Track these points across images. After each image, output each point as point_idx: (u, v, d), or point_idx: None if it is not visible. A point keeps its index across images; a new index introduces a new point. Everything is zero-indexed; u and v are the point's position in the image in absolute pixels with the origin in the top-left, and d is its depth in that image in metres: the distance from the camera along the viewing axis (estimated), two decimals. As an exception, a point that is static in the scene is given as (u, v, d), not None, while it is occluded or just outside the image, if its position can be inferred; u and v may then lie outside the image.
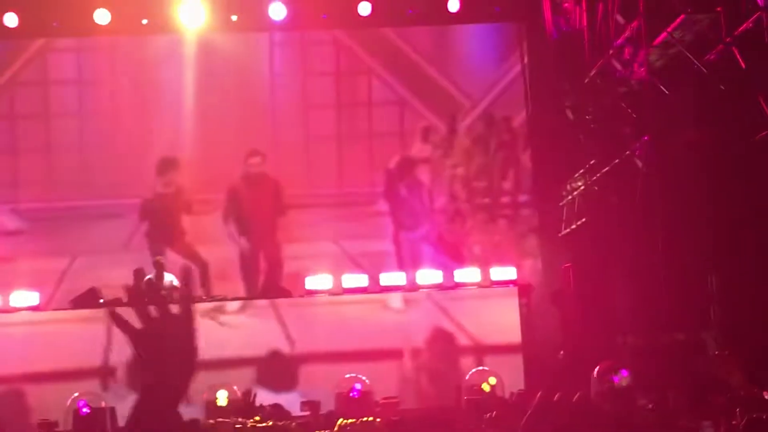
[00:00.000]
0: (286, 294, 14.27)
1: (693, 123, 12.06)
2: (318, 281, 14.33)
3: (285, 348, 13.72)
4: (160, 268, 13.72)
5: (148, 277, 13.92)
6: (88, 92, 16.00)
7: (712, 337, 11.76)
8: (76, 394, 12.79)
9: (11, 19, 15.32)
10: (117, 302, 13.77)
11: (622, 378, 11.96)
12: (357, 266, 15.17)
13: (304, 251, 15.47)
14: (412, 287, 14.39)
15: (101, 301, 13.94)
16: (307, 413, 12.15)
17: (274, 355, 13.66)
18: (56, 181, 15.64)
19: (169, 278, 13.94)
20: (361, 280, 14.46)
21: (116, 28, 15.53)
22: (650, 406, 10.06)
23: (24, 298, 13.90)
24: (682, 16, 11.75)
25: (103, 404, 12.77)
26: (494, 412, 8.71)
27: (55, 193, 15.54)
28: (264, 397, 12.07)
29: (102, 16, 15.41)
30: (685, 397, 10.34)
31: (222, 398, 12.91)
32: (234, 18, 15.91)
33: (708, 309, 11.93)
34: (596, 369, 12.53)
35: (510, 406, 11.66)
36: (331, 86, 16.26)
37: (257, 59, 16.23)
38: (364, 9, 15.78)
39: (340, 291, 14.30)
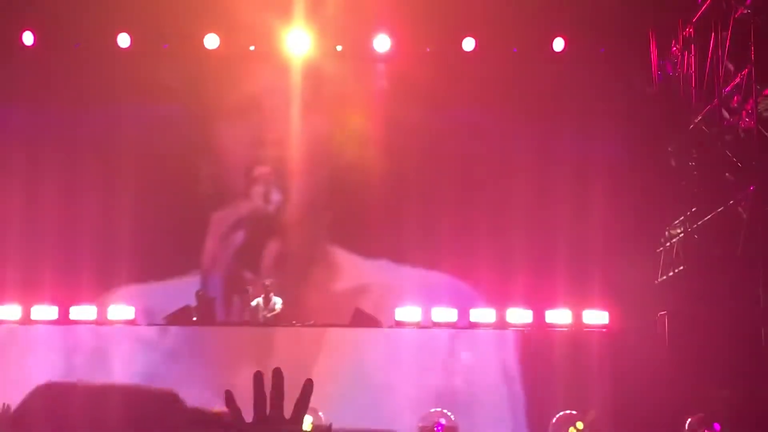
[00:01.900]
0: (376, 324, 14.28)
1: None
2: (407, 313, 14.32)
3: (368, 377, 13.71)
4: (268, 291, 14.13)
5: (256, 300, 14.21)
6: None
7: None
8: None
9: (124, 39, 15.79)
10: (210, 321, 14.14)
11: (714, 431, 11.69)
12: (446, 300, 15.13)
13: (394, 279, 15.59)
14: (501, 325, 14.27)
15: (194, 318, 14.21)
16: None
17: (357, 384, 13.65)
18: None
19: (277, 301, 14.21)
20: (450, 314, 14.40)
21: (225, 53, 15.89)
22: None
23: (120, 312, 14.18)
24: (795, 66, 11.56)
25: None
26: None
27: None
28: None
29: (212, 41, 15.78)
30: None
31: (307, 423, 12.97)
32: (339, 48, 16.13)
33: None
34: (688, 421, 12.26)
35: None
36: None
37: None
38: (468, 44, 15.84)
39: (429, 324, 14.27)
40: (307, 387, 2.65)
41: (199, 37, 15.78)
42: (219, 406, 2.69)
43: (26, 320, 14.01)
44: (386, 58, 16.04)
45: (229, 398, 2.64)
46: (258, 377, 2.63)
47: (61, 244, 15.61)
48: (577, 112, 16.16)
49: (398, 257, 15.84)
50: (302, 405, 2.65)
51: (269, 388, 2.63)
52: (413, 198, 16.07)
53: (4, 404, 4.34)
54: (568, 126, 16.26)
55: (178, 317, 14.24)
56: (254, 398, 2.61)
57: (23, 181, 15.64)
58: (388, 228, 15.90)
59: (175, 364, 13.34)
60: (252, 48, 16.18)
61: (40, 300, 14.23)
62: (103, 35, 15.76)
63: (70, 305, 14.17)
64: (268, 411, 2.59)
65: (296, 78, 16.02)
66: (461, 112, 16.29)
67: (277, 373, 2.65)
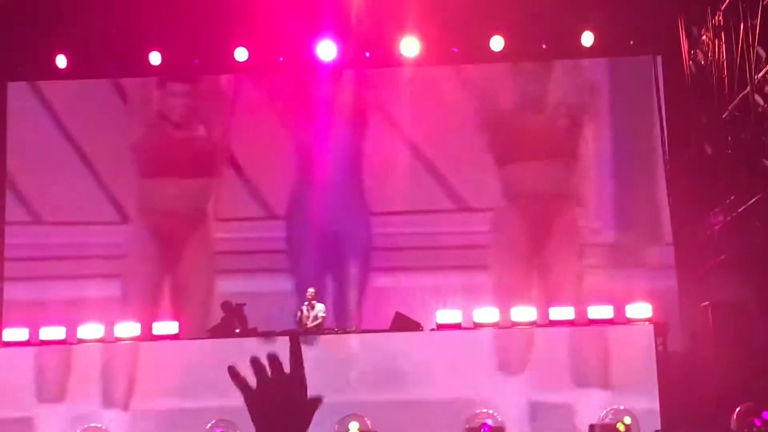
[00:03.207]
0: (417, 327, 14.29)
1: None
2: (449, 315, 14.31)
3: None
4: (311, 299, 14.22)
5: (302, 306, 14.35)
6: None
7: None
8: (213, 421, 13.06)
9: (155, 58, 15.98)
10: (252, 332, 14.21)
11: (764, 420, 11.59)
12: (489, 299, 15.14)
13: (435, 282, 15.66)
14: (545, 323, 14.22)
15: (237, 331, 14.29)
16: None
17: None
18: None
19: (320, 308, 14.30)
20: (492, 314, 14.37)
21: (252, 64, 16.06)
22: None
23: (165, 327, 14.30)
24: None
25: (238, 432, 13.01)
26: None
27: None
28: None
29: (241, 54, 15.93)
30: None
31: (354, 429, 13.02)
32: (367, 54, 16.23)
33: None
34: (737, 410, 12.17)
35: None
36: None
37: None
38: (497, 44, 15.82)
39: (471, 326, 14.25)
40: (294, 341, 2.73)
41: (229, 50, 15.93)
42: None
43: (73, 339, 14.16)
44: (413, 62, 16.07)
45: (234, 373, 2.72)
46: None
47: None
48: (609, 105, 16.12)
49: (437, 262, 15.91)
50: (296, 358, 2.72)
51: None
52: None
53: None
54: (602, 119, 16.23)
55: (221, 330, 14.35)
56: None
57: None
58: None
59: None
60: (281, 59, 16.32)
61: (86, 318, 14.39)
62: (134, 54, 15.98)
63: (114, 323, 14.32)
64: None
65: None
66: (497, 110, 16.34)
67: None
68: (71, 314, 14.69)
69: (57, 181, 16.28)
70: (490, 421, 13.10)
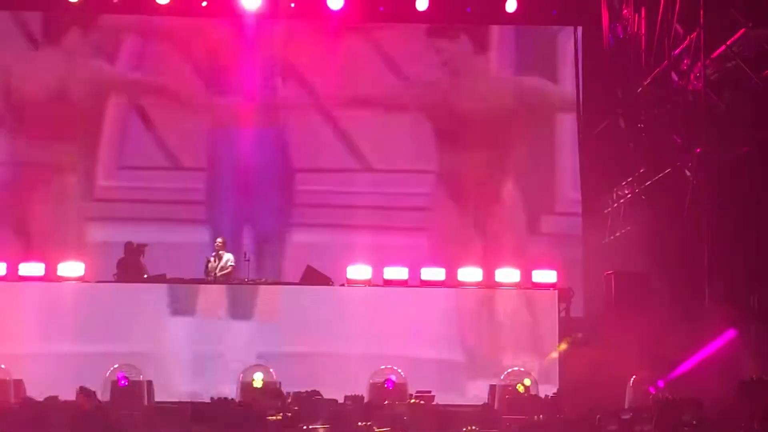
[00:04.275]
0: (327, 282, 14.35)
1: (746, 138, 12.00)
2: (358, 271, 14.39)
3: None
4: (219, 248, 14.25)
5: (210, 255, 14.31)
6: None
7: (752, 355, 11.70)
8: (115, 366, 12.96)
9: None
10: (160, 278, 14.11)
11: (659, 389, 11.95)
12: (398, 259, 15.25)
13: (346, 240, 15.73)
14: (453, 284, 14.41)
15: (145, 276, 14.19)
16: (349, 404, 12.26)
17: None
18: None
19: (228, 257, 14.27)
20: (401, 273, 14.50)
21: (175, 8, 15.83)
22: (694, 422, 10.06)
23: (70, 269, 14.08)
24: (743, 30, 11.69)
25: (141, 377, 12.92)
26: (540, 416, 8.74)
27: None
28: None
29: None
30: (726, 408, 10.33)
31: (258, 380, 13.04)
32: (292, 5, 16.11)
33: (749, 328, 11.87)
34: (632, 378, 12.53)
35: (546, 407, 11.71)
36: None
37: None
38: (422, 4, 15.85)
39: (380, 283, 14.36)
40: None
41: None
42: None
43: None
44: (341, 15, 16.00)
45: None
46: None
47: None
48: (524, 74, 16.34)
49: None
50: None
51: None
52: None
53: None
54: (515, 85, 16.41)
55: (127, 271, 14.26)
56: None
57: None
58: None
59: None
60: (204, 4, 16.08)
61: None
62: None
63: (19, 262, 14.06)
64: None
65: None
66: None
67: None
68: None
69: None
70: (393, 377, 13.25)
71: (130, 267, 14.34)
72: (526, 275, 14.36)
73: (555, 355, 13.78)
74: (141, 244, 14.53)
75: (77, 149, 16.23)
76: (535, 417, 10.42)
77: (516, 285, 14.33)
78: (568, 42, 16.32)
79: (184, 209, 16.23)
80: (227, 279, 14.20)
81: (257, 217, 16.34)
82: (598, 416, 10.63)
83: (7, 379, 12.81)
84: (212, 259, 14.36)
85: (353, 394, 12.58)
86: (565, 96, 16.34)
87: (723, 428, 10.05)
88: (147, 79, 16.31)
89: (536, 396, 12.87)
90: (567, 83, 16.33)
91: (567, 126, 16.33)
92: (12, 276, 13.84)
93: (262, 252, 16.12)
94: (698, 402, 10.63)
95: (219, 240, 14.55)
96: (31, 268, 13.95)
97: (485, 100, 16.36)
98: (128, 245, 14.54)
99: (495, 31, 16.49)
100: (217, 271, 14.27)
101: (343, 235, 15.91)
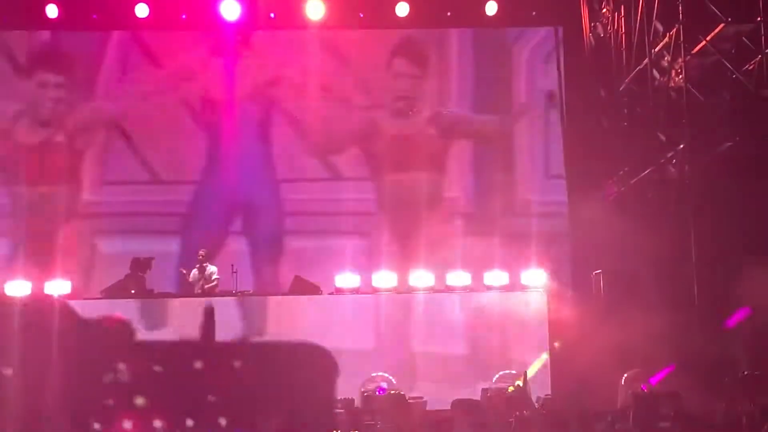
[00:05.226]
0: (316, 291, 14.30)
1: (729, 133, 12.00)
2: (347, 279, 14.36)
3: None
4: (202, 261, 14.07)
5: (192, 271, 14.21)
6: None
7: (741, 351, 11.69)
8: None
9: (52, 11, 15.54)
10: (148, 293, 14.05)
11: (651, 386, 11.93)
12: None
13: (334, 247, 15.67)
14: (442, 288, 14.40)
15: (132, 291, 14.12)
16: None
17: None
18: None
19: (212, 270, 14.19)
20: (389, 279, 14.47)
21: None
22: (671, 413, 10.05)
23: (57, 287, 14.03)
24: (722, 25, 11.72)
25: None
26: (525, 411, 8.70)
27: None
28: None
29: (141, 10, 15.63)
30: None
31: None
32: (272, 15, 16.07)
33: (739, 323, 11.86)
34: (624, 376, 12.51)
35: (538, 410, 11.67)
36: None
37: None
38: (402, 10, 15.83)
39: (369, 290, 14.34)
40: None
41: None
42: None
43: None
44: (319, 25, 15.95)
45: None
46: None
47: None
48: (507, 75, 16.33)
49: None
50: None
51: None
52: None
53: None
54: (500, 87, 16.40)
55: (116, 290, 14.15)
56: None
57: None
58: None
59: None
60: (184, 16, 16.02)
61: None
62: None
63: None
64: None
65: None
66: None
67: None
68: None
69: None
70: (384, 384, 13.22)
71: (133, 282, 14.23)
72: (515, 277, 14.36)
73: (546, 356, 13.78)
74: (148, 258, 14.41)
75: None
76: (524, 412, 10.32)
77: (505, 287, 14.34)
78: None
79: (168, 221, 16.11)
80: (214, 292, 14.15)
81: (246, 228, 16.22)
82: (586, 416, 10.62)
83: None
84: (195, 271, 14.29)
85: (344, 398, 12.56)
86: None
87: (701, 420, 10.06)
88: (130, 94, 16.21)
89: (528, 398, 12.84)
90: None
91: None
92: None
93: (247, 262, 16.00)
94: (676, 395, 10.63)
95: (202, 251, 14.43)
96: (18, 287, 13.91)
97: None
98: (135, 261, 14.37)
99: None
100: (203, 283, 14.21)
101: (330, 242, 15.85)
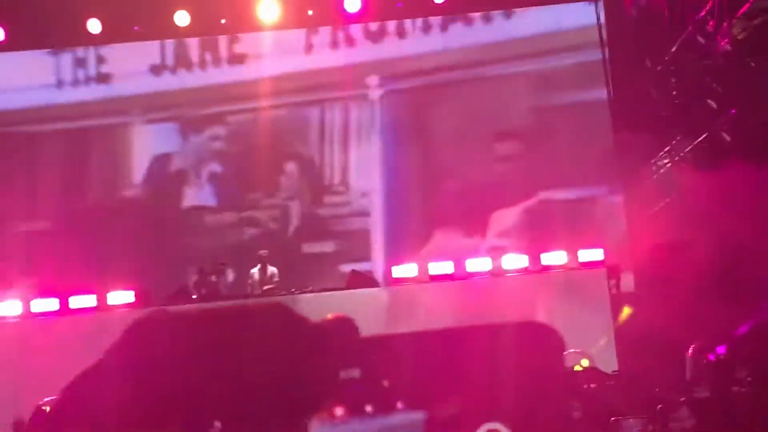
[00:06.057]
0: (374, 284, 14.34)
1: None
2: (404, 270, 14.35)
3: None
4: (264, 262, 14.12)
5: (253, 270, 14.29)
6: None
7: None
8: None
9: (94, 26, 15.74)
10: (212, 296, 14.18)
11: (718, 355, 11.77)
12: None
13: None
14: (499, 272, 14.33)
15: (194, 297, 14.25)
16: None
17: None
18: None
19: (272, 271, 14.27)
20: (446, 267, 14.44)
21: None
22: (749, 378, 9.91)
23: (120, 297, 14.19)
24: (766, -16, 11.51)
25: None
26: (594, 384, 8.56)
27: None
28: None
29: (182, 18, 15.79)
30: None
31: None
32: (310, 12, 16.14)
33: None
34: (690, 349, 12.35)
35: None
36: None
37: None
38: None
39: (426, 279, 14.32)
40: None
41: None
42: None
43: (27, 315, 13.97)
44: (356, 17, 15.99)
45: None
46: None
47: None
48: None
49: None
50: None
51: None
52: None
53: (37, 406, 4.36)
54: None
55: (178, 297, 14.29)
56: None
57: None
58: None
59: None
60: (223, 21, 16.16)
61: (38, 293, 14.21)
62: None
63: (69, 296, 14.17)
64: None
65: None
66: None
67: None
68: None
69: None
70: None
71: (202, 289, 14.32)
72: (573, 255, 14.25)
73: (611, 333, 13.66)
74: (221, 263, 14.51)
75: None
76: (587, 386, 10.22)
77: (564, 267, 14.23)
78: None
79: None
80: (273, 293, 14.21)
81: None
82: (657, 388, 10.53)
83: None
84: (256, 272, 14.37)
85: None
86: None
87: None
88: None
89: (599, 371, 12.71)
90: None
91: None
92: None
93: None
94: (751, 360, 10.48)
95: (263, 252, 14.53)
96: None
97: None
98: (201, 269, 14.48)
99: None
100: (264, 284, 14.27)
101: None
